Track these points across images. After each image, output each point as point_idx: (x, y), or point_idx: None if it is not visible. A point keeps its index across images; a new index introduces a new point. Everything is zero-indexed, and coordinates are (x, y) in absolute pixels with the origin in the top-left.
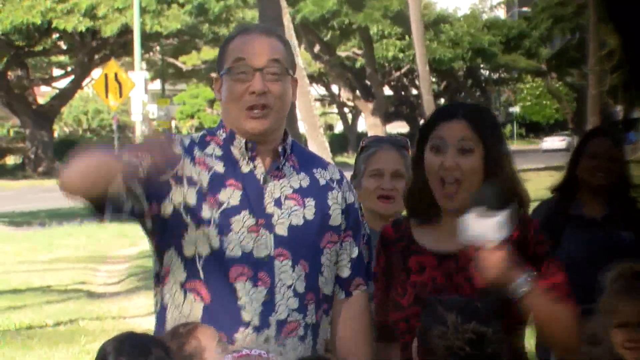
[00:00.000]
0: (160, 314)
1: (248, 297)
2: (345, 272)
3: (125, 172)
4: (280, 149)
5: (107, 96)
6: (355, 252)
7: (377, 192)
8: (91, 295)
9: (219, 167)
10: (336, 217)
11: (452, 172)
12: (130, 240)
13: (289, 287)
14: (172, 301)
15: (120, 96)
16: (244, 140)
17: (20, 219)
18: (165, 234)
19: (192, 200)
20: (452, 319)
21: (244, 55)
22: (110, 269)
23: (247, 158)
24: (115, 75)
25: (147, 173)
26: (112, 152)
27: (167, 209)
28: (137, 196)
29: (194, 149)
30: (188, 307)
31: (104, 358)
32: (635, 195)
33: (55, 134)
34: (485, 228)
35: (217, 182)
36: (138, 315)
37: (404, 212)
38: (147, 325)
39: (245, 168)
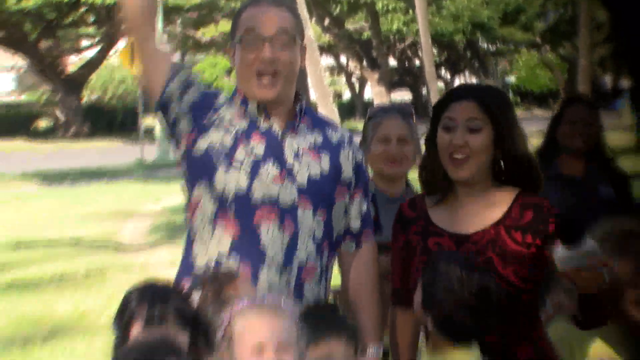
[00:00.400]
0: (188, 247)
1: (272, 239)
2: (357, 225)
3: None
4: (297, 108)
5: (131, 64)
6: (364, 207)
7: (385, 156)
8: (118, 248)
9: (243, 124)
10: (348, 173)
11: (461, 149)
12: (154, 197)
13: (310, 233)
14: (200, 236)
15: None
16: (256, 103)
17: (52, 178)
18: (196, 168)
19: (228, 142)
20: (456, 273)
21: (254, 25)
22: (136, 224)
23: (262, 118)
24: None
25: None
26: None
27: (202, 145)
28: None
29: (229, 103)
30: (215, 241)
31: (128, 303)
32: (611, 156)
33: (84, 100)
34: (566, 260)
35: (245, 134)
36: (161, 266)
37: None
38: (169, 276)
39: (264, 126)
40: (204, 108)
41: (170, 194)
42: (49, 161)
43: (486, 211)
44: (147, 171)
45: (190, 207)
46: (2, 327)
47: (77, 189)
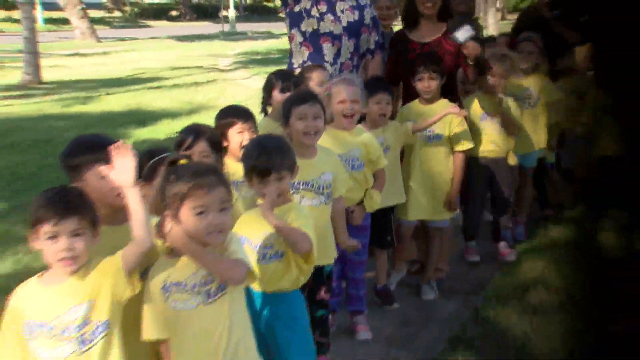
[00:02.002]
0: (290, 58)
1: (329, 50)
2: (372, 46)
3: None
4: None
5: None
6: (376, 38)
7: None
8: (219, 70)
9: None
10: (368, 21)
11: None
12: (231, 48)
13: (347, 48)
14: (296, 52)
15: None
16: None
17: (183, 39)
18: (293, 19)
19: (308, 5)
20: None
21: None
22: (224, 59)
23: None
24: None
25: None
26: None
27: (297, 8)
28: None
29: None
30: (300, 54)
31: (271, 84)
32: None
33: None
34: (464, 34)
35: (319, 4)
36: (242, 79)
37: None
38: (248, 84)
39: None
40: None
41: (238, 48)
42: (180, 31)
43: (435, 32)
44: (225, 37)
45: (290, 39)
46: (120, 109)
47: (193, 44)
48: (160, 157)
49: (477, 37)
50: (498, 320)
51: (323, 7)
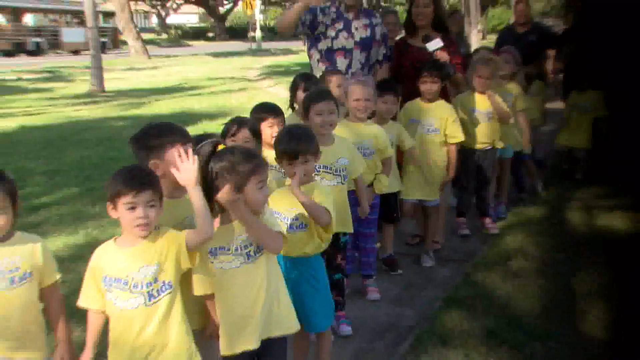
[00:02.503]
0: (311, 71)
1: (341, 63)
2: (380, 57)
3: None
4: (359, 7)
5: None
6: (385, 51)
7: None
8: (248, 79)
9: (334, 16)
10: (378, 37)
11: (422, 14)
12: (258, 62)
13: (358, 59)
14: (315, 68)
15: None
16: (344, 6)
17: (218, 55)
18: (312, 44)
19: (328, 21)
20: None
21: None
22: (253, 71)
23: (345, 14)
24: None
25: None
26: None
27: (320, 28)
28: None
29: (329, 10)
30: (319, 70)
31: (296, 85)
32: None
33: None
34: (434, 45)
35: (334, 21)
36: (269, 87)
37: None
38: (274, 92)
39: (345, 16)
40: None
41: (263, 62)
42: (215, 49)
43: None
44: (252, 53)
45: (310, 57)
46: (168, 112)
47: (226, 59)
48: (204, 142)
49: (445, 47)
50: (485, 283)
51: (340, 25)
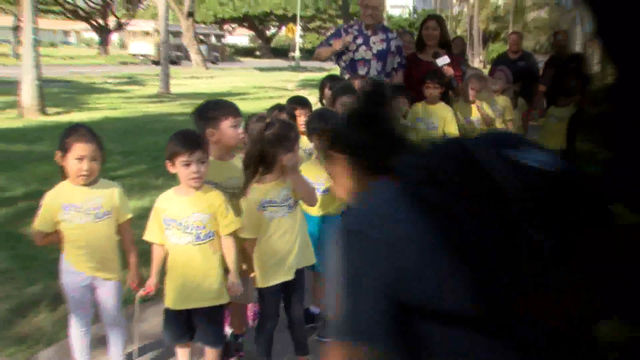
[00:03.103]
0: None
1: (362, 70)
2: (395, 66)
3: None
4: (378, 28)
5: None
6: (400, 60)
7: None
8: (286, 89)
9: (356, 33)
10: (393, 48)
11: (430, 35)
12: (296, 75)
13: (376, 68)
14: (342, 74)
15: None
16: (365, 25)
17: (263, 69)
18: (339, 57)
19: (358, 41)
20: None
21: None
22: (291, 83)
23: (364, 31)
24: None
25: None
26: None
27: (350, 46)
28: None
29: (352, 28)
30: (347, 75)
31: (323, 84)
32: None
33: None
34: (442, 61)
35: (355, 37)
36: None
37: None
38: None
39: (364, 33)
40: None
41: (300, 76)
42: (261, 65)
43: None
44: (292, 69)
45: (339, 64)
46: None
47: (270, 73)
48: (255, 116)
49: (451, 63)
50: None
51: (360, 40)
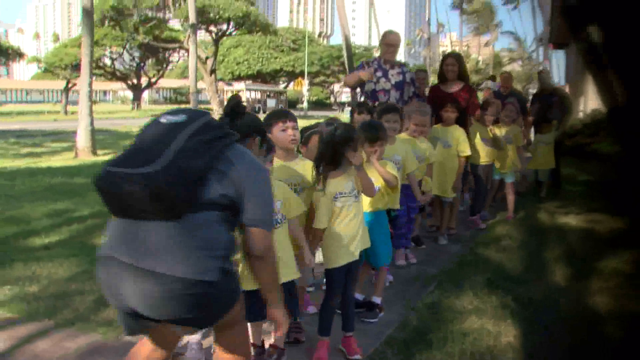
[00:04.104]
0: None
1: (382, 98)
2: (411, 94)
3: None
4: (394, 63)
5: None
6: (413, 90)
7: None
8: None
9: (375, 66)
10: (408, 79)
11: (450, 70)
12: (304, 123)
13: (395, 96)
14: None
15: None
16: (383, 60)
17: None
18: (362, 89)
19: (378, 74)
20: None
21: (388, 41)
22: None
23: (383, 65)
24: None
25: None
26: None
27: (371, 78)
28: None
29: (372, 64)
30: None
31: (353, 110)
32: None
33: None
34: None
35: (376, 70)
36: None
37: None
38: None
39: (383, 67)
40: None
41: (307, 123)
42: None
43: (456, 86)
44: (300, 117)
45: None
46: None
47: None
48: (311, 130)
49: (467, 92)
50: (484, 253)
51: (379, 73)
